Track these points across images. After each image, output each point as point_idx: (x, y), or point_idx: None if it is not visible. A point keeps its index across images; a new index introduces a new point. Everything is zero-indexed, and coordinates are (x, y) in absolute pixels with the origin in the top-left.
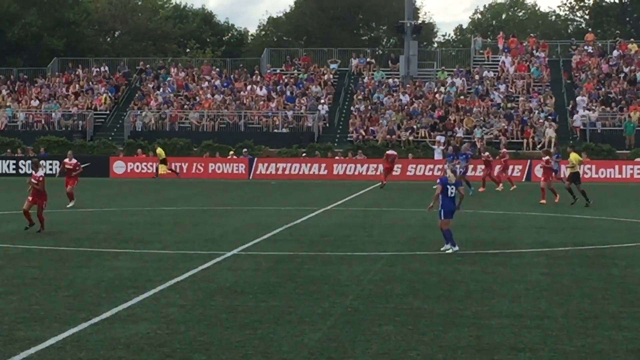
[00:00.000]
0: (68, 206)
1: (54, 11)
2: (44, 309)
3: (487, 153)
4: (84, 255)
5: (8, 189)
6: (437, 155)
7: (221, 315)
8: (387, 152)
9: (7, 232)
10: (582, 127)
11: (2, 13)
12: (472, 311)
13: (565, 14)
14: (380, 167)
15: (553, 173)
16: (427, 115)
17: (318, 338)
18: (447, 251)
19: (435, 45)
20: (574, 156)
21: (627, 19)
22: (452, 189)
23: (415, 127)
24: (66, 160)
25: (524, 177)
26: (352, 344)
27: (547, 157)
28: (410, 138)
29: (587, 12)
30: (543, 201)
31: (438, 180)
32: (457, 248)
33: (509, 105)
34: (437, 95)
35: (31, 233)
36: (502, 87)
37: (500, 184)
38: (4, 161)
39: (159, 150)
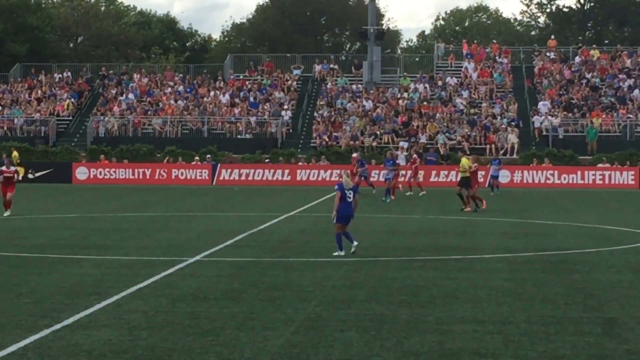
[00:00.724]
0: (5, 214)
1: (16, 16)
2: (5, 315)
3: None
4: (46, 262)
5: None
6: (401, 161)
7: (184, 321)
8: (353, 155)
9: None
10: (544, 132)
11: None
12: (435, 317)
13: (528, 21)
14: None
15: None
16: (391, 121)
17: (281, 344)
18: (336, 254)
19: (399, 51)
20: (464, 161)
21: (589, 24)
22: (349, 193)
23: (378, 132)
24: (4, 168)
25: (487, 183)
26: (315, 350)
27: (476, 164)
28: (374, 144)
29: (549, 18)
30: (467, 209)
31: (336, 187)
32: (342, 253)
33: (472, 111)
34: (400, 101)
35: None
36: (465, 93)
37: (411, 190)
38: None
39: (15, 154)
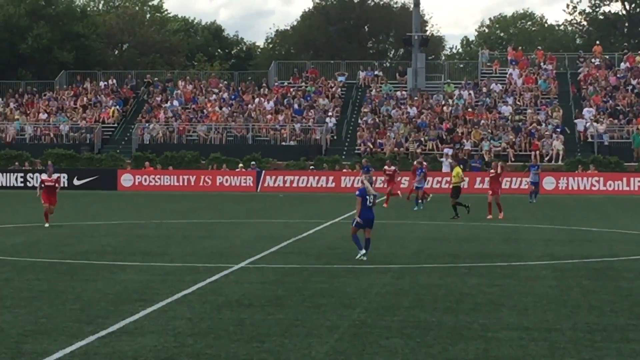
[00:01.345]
0: (46, 226)
1: (62, 24)
2: (51, 322)
3: (393, 167)
4: (91, 268)
5: (16, 201)
6: (445, 168)
7: (228, 328)
8: (385, 168)
9: (15, 245)
10: (589, 138)
11: (13, 26)
12: (480, 324)
13: (573, 28)
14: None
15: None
16: (435, 128)
17: (325, 351)
18: (361, 258)
19: (443, 57)
20: (457, 171)
21: (635, 31)
22: (370, 198)
23: (423, 139)
24: (44, 176)
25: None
26: (360, 356)
27: (496, 171)
28: (418, 150)
29: (593, 25)
30: (490, 216)
31: (357, 192)
32: (363, 251)
33: (516, 117)
34: (444, 108)
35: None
36: (510, 100)
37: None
38: (12, 174)
39: None
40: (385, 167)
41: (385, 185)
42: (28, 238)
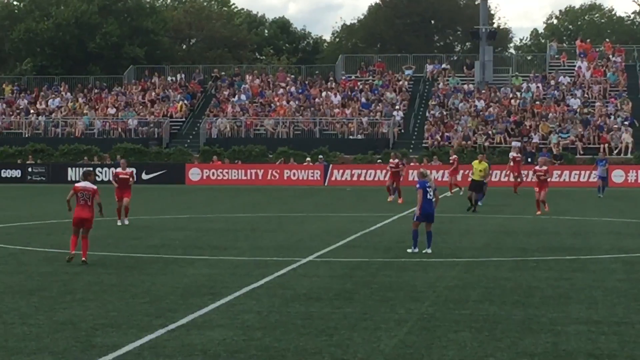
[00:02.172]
0: (119, 223)
1: (131, 20)
2: (121, 315)
3: (396, 160)
4: (160, 262)
5: None
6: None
7: (297, 321)
8: (390, 161)
9: None
10: None
11: (84, 24)
12: (549, 317)
13: None
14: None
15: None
16: (503, 121)
17: (394, 344)
18: (409, 251)
19: (511, 50)
20: (484, 166)
21: None
22: (430, 191)
23: (490, 132)
24: (119, 169)
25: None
26: (428, 350)
27: (545, 167)
28: (486, 144)
29: None
30: (539, 212)
31: (417, 185)
32: (416, 250)
33: (585, 110)
34: (512, 101)
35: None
36: (579, 93)
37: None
38: (81, 169)
39: None
40: (390, 160)
41: (387, 179)
42: (97, 232)
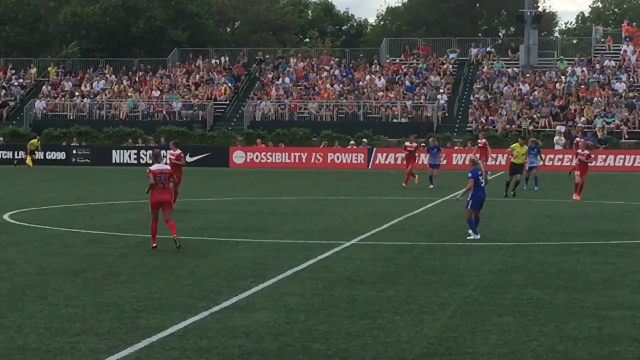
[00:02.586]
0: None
1: (176, 3)
2: (165, 297)
3: (414, 144)
4: (204, 245)
5: (130, 178)
6: (558, 146)
7: (340, 304)
8: (406, 144)
9: (129, 221)
10: None
11: (129, 7)
12: (593, 302)
13: None
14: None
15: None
16: (548, 105)
17: (437, 328)
18: (471, 237)
19: (556, 34)
20: (524, 148)
21: None
22: (482, 178)
23: (535, 116)
24: (169, 152)
25: None
26: (472, 334)
27: (587, 151)
28: (530, 128)
29: None
30: (577, 197)
31: (469, 174)
32: (478, 236)
33: (630, 94)
34: (557, 85)
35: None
36: (624, 77)
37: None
38: (125, 151)
39: (33, 142)
40: (407, 143)
41: (405, 163)
42: (142, 214)
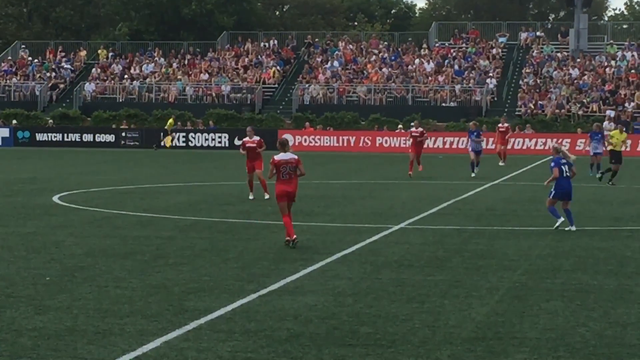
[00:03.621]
0: (266, 197)
1: None
2: (213, 280)
3: (420, 129)
4: (253, 228)
5: (179, 161)
6: (607, 131)
7: (388, 288)
8: (411, 130)
9: (178, 204)
10: None
11: None
12: None
13: None
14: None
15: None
16: (597, 90)
17: (485, 312)
18: (560, 227)
19: (606, 18)
20: (624, 136)
21: None
22: (566, 167)
23: (584, 101)
24: (246, 139)
25: None
26: (520, 318)
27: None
28: (580, 112)
29: None
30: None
31: (552, 164)
32: (562, 219)
33: None
34: (607, 69)
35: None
36: None
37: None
38: (174, 134)
39: (170, 122)
40: (412, 128)
41: (410, 150)
42: (190, 197)
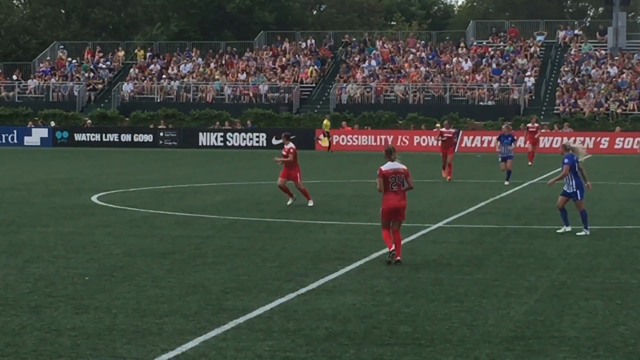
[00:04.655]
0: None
1: None
2: (251, 279)
3: (452, 130)
4: (290, 227)
5: (217, 161)
6: None
7: (427, 287)
8: (441, 129)
9: (216, 204)
10: None
11: None
12: None
13: None
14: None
15: None
16: (636, 88)
17: (524, 311)
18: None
19: None
20: None
21: None
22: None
23: (623, 99)
24: (443, 129)
25: None
26: (559, 317)
27: None
28: (619, 111)
29: None
30: None
31: (566, 160)
32: (568, 228)
33: None
34: None
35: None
36: None
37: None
38: (212, 133)
39: (326, 123)
40: (443, 128)
41: (442, 150)
42: (228, 197)
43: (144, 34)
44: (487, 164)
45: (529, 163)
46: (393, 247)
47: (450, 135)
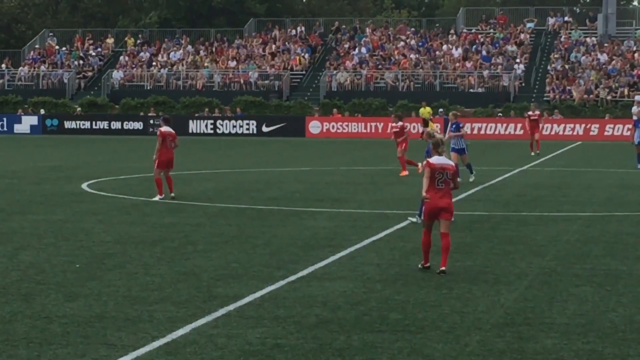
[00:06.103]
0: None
1: None
2: (242, 266)
3: (537, 111)
4: (280, 214)
5: (206, 148)
6: (635, 116)
7: (417, 274)
8: (528, 112)
9: (206, 191)
10: None
11: None
12: None
13: None
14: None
15: None
16: (626, 75)
17: (514, 298)
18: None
19: (635, 3)
20: None
21: None
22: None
23: (613, 86)
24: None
25: None
26: (549, 304)
27: None
28: (608, 97)
29: None
30: None
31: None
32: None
33: None
34: (636, 55)
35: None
36: None
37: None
38: (202, 121)
39: (422, 110)
40: (529, 112)
41: (529, 132)
42: (218, 184)
43: (135, 22)
44: (475, 151)
45: (532, 153)
46: (429, 264)
47: (536, 117)
